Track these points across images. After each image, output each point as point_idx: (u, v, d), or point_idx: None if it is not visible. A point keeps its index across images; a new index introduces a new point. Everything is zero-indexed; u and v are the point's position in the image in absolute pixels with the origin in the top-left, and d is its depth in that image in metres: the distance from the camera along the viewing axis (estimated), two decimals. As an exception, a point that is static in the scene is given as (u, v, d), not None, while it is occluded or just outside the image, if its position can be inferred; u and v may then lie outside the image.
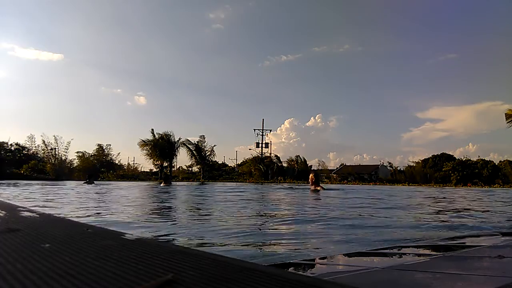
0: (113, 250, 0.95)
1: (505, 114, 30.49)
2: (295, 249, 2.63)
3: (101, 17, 76.00)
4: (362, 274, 1.66)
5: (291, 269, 1.87)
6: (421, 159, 52.07)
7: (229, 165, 58.54)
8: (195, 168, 50.25)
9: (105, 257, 0.87)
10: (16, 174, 36.99)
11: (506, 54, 65.33)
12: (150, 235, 3.24)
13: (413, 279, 1.55)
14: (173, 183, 25.26)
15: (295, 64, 74.36)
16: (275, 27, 77.59)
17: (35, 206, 5.92)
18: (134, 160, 68.82)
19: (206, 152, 44.01)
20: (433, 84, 74.10)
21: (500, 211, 6.62)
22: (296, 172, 48.23)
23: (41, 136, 42.46)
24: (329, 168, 55.82)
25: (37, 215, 1.75)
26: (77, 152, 44.58)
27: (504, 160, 46.77)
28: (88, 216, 4.88)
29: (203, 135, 44.36)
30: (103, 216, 4.86)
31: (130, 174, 47.97)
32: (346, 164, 57.85)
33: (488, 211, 6.55)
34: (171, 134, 41.50)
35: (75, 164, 44.21)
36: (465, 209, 6.82)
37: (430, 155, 51.95)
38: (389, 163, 54.66)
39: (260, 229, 3.78)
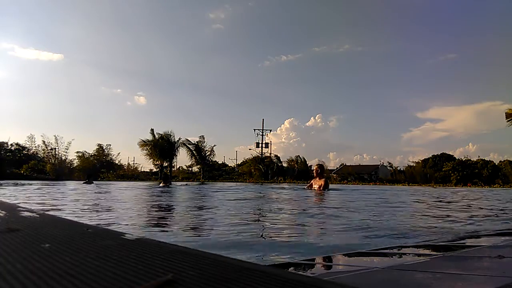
0: (113, 250, 0.95)
1: (505, 113, 30.53)
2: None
3: (101, 17, 76.13)
4: (362, 274, 1.66)
5: (291, 269, 1.87)
6: (421, 159, 52.17)
7: (229, 165, 58.61)
8: (195, 168, 50.28)
9: (105, 257, 0.87)
10: (16, 174, 36.98)
11: (506, 54, 65.40)
12: (150, 235, 3.24)
13: (413, 279, 1.55)
14: (173, 183, 25.25)
15: (295, 64, 74.53)
16: (275, 27, 77.77)
17: (34, 205, 5.92)
18: (134, 160, 68.98)
19: (206, 152, 44.02)
20: (433, 84, 74.23)
21: (500, 210, 6.62)
22: (296, 172, 48.22)
23: (41, 136, 42.50)
24: (329, 168, 55.85)
25: (37, 215, 1.75)
26: (77, 152, 44.61)
27: (504, 160, 46.81)
28: (87, 216, 4.88)
29: (203, 135, 44.40)
30: (101, 216, 4.86)
31: (130, 174, 47.97)
32: (346, 164, 57.93)
33: (488, 211, 6.55)
34: (171, 134, 41.53)
35: (75, 164, 44.22)
36: (468, 207, 6.82)
37: (430, 155, 52.06)
38: (389, 163, 54.75)
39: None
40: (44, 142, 41.30)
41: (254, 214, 5.44)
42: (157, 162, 42.39)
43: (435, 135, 72.26)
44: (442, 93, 74.15)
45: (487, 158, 47.74)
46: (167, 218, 4.88)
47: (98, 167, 44.73)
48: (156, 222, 4.42)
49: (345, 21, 79.55)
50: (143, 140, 40.82)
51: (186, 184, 23.33)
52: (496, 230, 3.67)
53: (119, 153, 49.37)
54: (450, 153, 51.89)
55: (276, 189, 16.12)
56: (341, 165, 58.74)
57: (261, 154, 50.70)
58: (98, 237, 1.16)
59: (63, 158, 41.91)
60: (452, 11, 69.70)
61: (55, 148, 41.35)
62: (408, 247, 2.59)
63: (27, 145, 44.02)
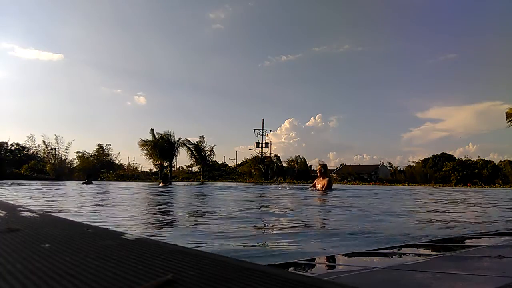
0: (113, 250, 0.95)
1: (506, 113, 30.49)
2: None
3: (101, 17, 76.17)
4: (362, 274, 1.66)
5: (291, 269, 1.87)
6: (421, 159, 52.18)
7: (229, 165, 58.63)
8: (195, 168, 50.29)
9: (105, 257, 0.87)
10: (16, 174, 36.99)
11: (506, 54, 65.44)
12: (150, 235, 3.24)
13: (413, 279, 1.55)
14: (173, 183, 25.23)
15: (295, 64, 74.58)
16: (275, 27, 77.83)
17: (34, 205, 5.92)
18: (134, 160, 68.94)
19: (206, 152, 44.03)
20: (433, 84, 74.28)
21: (500, 210, 6.62)
22: (296, 172, 48.23)
23: (42, 136, 42.52)
24: (329, 168, 55.75)
25: (37, 215, 1.75)
26: (77, 152, 44.61)
27: (504, 160, 46.82)
28: (85, 216, 4.88)
29: (203, 135, 44.40)
30: (101, 216, 4.86)
31: (130, 174, 47.98)
32: (346, 164, 57.92)
33: (488, 210, 6.55)
34: (171, 134, 41.53)
35: (75, 164, 44.22)
36: (470, 207, 6.82)
37: (430, 155, 52.06)
38: (389, 163, 54.75)
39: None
40: (44, 142, 41.35)
41: (254, 215, 5.44)
42: (157, 162, 42.38)
43: (435, 135, 72.35)
44: (442, 93, 74.28)
45: (487, 158, 47.82)
46: (167, 218, 4.88)
47: (98, 167, 44.73)
48: (156, 222, 4.42)
49: (345, 21, 79.70)
50: (143, 140, 40.83)
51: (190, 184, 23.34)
52: (496, 230, 3.67)
53: (119, 153, 49.43)
54: (450, 153, 51.97)
55: (275, 190, 16.12)
56: (341, 165, 58.76)
57: (261, 154, 50.72)
58: (98, 237, 1.16)
59: (63, 158, 41.94)
60: (452, 11, 69.80)
61: (55, 148, 41.38)
62: (408, 247, 2.59)
63: (27, 145, 44.09)
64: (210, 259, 0.84)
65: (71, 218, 2.81)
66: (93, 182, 23.69)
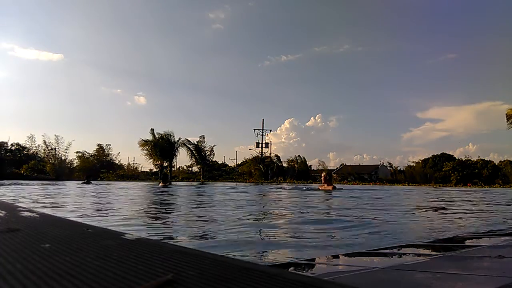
0: (113, 250, 0.95)
1: (506, 114, 30.32)
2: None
3: (101, 17, 76.18)
4: (362, 274, 1.66)
5: (291, 269, 1.87)
6: (421, 159, 52.13)
7: (229, 165, 58.59)
8: (195, 168, 50.27)
9: (105, 257, 0.87)
10: (16, 174, 36.99)
11: (506, 54, 65.44)
12: (150, 235, 3.24)
13: (413, 279, 1.55)
14: (173, 183, 25.22)
15: (295, 64, 74.53)
16: (275, 27, 77.83)
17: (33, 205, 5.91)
18: (134, 160, 68.81)
19: (206, 152, 44.02)
20: (433, 84, 74.26)
21: (501, 210, 6.62)
22: (296, 172, 48.21)
23: (42, 136, 42.55)
24: (329, 168, 55.74)
25: (37, 215, 1.75)
26: (77, 152, 44.62)
27: (504, 160, 46.80)
28: (85, 215, 4.88)
29: (203, 135, 44.44)
30: (99, 216, 4.86)
31: (130, 174, 47.97)
32: (346, 164, 57.87)
33: (489, 210, 6.55)
34: (171, 134, 41.52)
35: (75, 164, 44.21)
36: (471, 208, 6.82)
37: (430, 155, 52.01)
38: (389, 163, 54.71)
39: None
40: (45, 142, 41.36)
41: (253, 216, 5.44)
42: (157, 162, 42.37)
43: (435, 135, 72.28)
44: (442, 93, 74.17)
45: (487, 158, 47.79)
46: (167, 218, 4.88)
47: (98, 167, 44.74)
48: (155, 222, 4.42)
49: (345, 21, 79.58)
50: (143, 140, 40.82)
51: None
52: (496, 230, 3.67)
53: (119, 153, 49.47)
54: (450, 153, 51.93)
55: (274, 189, 16.10)
56: (341, 165, 58.74)
57: (261, 154, 50.71)
58: (98, 237, 1.16)
59: (63, 158, 41.94)
60: (452, 11, 69.77)
61: (55, 148, 41.39)
62: (408, 247, 2.59)
63: (27, 145, 44.08)
64: (210, 259, 0.84)
65: (71, 218, 2.81)
66: (92, 182, 23.71)
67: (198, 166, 45.99)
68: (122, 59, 77.62)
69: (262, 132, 51.66)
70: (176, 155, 42.48)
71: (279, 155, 51.68)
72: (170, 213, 5.70)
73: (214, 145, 44.84)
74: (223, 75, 79.64)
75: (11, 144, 43.45)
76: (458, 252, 2.36)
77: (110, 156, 48.43)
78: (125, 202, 7.74)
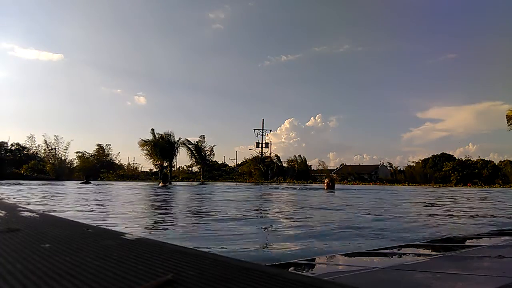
0: (113, 250, 0.95)
1: (506, 116, 30.15)
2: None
3: (101, 17, 76.07)
4: (362, 274, 1.66)
5: (291, 269, 1.87)
6: (421, 159, 52.10)
7: (229, 165, 58.57)
8: (195, 168, 50.26)
9: (105, 257, 0.87)
10: (16, 174, 36.98)
11: (506, 54, 65.43)
12: (150, 235, 3.24)
13: (413, 279, 1.55)
14: (173, 183, 25.22)
15: (295, 64, 74.43)
16: (275, 27, 77.69)
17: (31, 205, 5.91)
18: (134, 160, 68.78)
19: (206, 152, 44.02)
20: (433, 84, 74.17)
21: (501, 210, 6.63)
22: (296, 172, 48.21)
23: (43, 136, 42.54)
24: (329, 168, 55.79)
25: (37, 215, 1.75)
26: (77, 152, 44.61)
27: (504, 160, 46.78)
28: (85, 215, 4.88)
29: (203, 135, 44.40)
30: (99, 216, 4.86)
31: (130, 174, 47.96)
32: (346, 164, 57.83)
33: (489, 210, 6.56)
34: (171, 134, 41.51)
35: (75, 164, 44.21)
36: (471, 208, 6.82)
37: (430, 155, 51.98)
38: (389, 163, 54.67)
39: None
40: (46, 141, 41.36)
41: (255, 213, 5.43)
42: (157, 162, 42.35)
43: (435, 135, 72.21)
44: (442, 93, 74.06)
45: (487, 158, 47.77)
46: (167, 218, 4.88)
47: (98, 167, 44.74)
48: (155, 222, 4.42)
49: (345, 21, 79.42)
50: (143, 140, 40.82)
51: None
52: (496, 230, 3.67)
53: (119, 153, 49.42)
54: (450, 153, 51.90)
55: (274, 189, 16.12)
56: (341, 165, 58.70)
57: (261, 154, 50.70)
58: (98, 237, 1.16)
59: (63, 158, 41.93)
60: (452, 11, 69.72)
61: (55, 148, 41.38)
62: (408, 247, 2.59)
63: (27, 145, 44.07)
64: (210, 259, 0.84)
65: (71, 218, 2.81)
66: (91, 182, 23.71)
67: (198, 166, 45.98)
68: (122, 59, 77.56)
69: (262, 132, 51.70)
70: (176, 155, 42.49)
71: (279, 155, 51.75)
72: (170, 213, 5.70)
73: (214, 145, 44.88)
74: (223, 75, 79.61)
75: (11, 144, 43.50)
76: (458, 252, 2.36)
77: (110, 156, 48.46)
78: (126, 202, 7.74)
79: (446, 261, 2.05)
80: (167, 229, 3.76)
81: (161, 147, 40.33)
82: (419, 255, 2.33)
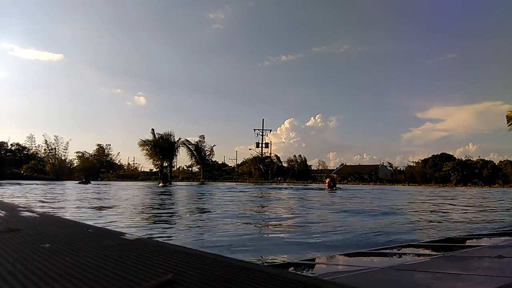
0: (113, 250, 0.95)
1: (506, 116, 30.06)
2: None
3: (101, 17, 76.04)
4: (362, 274, 1.66)
5: (291, 269, 1.87)
6: (421, 159, 52.10)
7: (229, 165, 58.56)
8: (195, 168, 50.25)
9: (105, 257, 0.87)
10: (16, 174, 36.98)
11: (506, 54, 65.41)
12: (150, 235, 3.25)
13: (413, 279, 1.55)
14: (173, 183, 25.20)
15: (295, 64, 74.43)
16: (275, 27, 77.66)
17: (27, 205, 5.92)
18: (134, 160, 68.75)
19: (206, 152, 44.01)
20: (433, 84, 74.15)
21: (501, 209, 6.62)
22: (296, 172, 48.19)
23: (43, 135, 42.54)
24: (329, 168, 55.78)
25: (37, 215, 1.75)
26: (77, 152, 44.61)
27: (504, 160, 46.78)
28: (84, 215, 4.88)
29: (203, 135, 44.40)
30: (99, 216, 4.86)
31: (130, 174, 47.95)
32: (346, 164, 57.81)
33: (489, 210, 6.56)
34: (171, 134, 41.50)
35: (75, 164, 44.20)
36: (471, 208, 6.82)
37: (430, 155, 51.98)
38: (389, 163, 54.64)
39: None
40: (46, 141, 41.36)
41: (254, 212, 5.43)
42: (157, 162, 42.34)
43: (435, 135, 72.17)
44: (442, 93, 74.00)
45: (487, 158, 47.74)
46: (167, 218, 4.88)
47: (98, 167, 44.73)
48: (155, 222, 4.42)
49: (345, 21, 79.38)
50: (143, 140, 40.81)
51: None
52: (496, 230, 3.67)
53: (118, 153, 49.42)
54: (450, 153, 51.89)
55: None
56: (341, 165, 58.66)
57: (261, 154, 50.69)
58: (98, 237, 1.16)
59: (63, 158, 41.92)
60: (452, 11, 69.67)
61: (55, 148, 41.38)
62: (408, 247, 2.59)
63: (27, 145, 44.07)
64: (210, 259, 0.84)
65: (71, 218, 2.81)
66: (91, 182, 23.63)
67: (198, 166, 45.97)
68: (122, 59, 77.53)
69: (262, 132, 51.69)
70: (176, 155, 42.49)
71: (279, 155, 51.73)
72: (170, 212, 5.70)
73: (214, 145, 44.88)
74: (223, 75, 79.58)
75: (11, 144, 43.50)
76: (458, 252, 2.36)
77: (110, 156, 48.46)
78: (126, 202, 7.74)
79: (446, 261, 2.05)
80: (167, 229, 3.76)
81: (161, 147, 40.33)
82: (419, 255, 2.33)
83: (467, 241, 3.08)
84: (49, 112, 68.52)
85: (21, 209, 2.08)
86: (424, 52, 72.66)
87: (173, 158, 42.36)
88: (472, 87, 69.34)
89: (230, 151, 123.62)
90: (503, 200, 10.07)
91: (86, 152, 45.69)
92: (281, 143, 66.83)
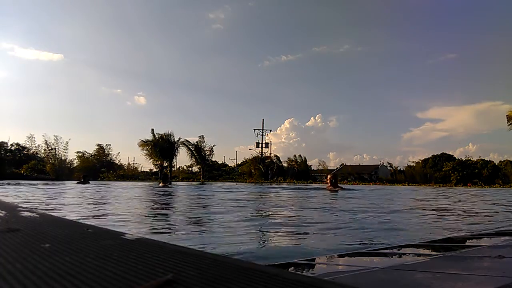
0: (113, 250, 0.95)
1: (507, 116, 30.05)
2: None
3: (101, 17, 76.06)
4: (362, 274, 1.66)
5: (291, 269, 1.87)
6: (421, 159, 52.06)
7: (229, 165, 58.58)
8: (195, 168, 50.27)
9: (105, 257, 0.87)
10: (16, 174, 36.98)
11: (506, 54, 65.41)
12: (150, 235, 3.24)
13: (413, 279, 1.55)
14: (173, 183, 25.20)
15: (295, 64, 74.42)
16: (275, 27, 77.64)
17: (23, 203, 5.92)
18: (134, 160, 68.71)
19: (206, 152, 44.03)
20: (433, 84, 74.11)
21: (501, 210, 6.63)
22: (296, 172, 48.20)
23: (43, 135, 42.55)
24: (329, 168, 55.76)
25: (37, 215, 1.75)
26: (77, 152, 44.62)
27: (504, 160, 46.77)
28: (84, 215, 4.88)
29: (203, 135, 44.41)
30: (99, 216, 4.86)
31: (130, 174, 47.96)
32: (346, 164, 57.79)
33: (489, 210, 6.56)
34: (171, 134, 41.51)
35: (75, 164, 44.21)
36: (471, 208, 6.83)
37: (430, 155, 51.94)
38: (389, 163, 54.62)
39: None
40: (46, 141, 41.37)
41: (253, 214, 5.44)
42: (157, 162, 42.36)
43: (435, 135, 72.14)
44: (442, 93, 73.94)
45: (487, 158, 47.73)
46: (167, 218, 4.88)
47: (98, 167, 44.73)
48: (155, 222, 4.42)
49: (345, 21, 79.34)
50: (143, 140, 40.83)
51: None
52: (496, 230, 3.67)
53: (118, 153, 49.40)
54: (450, 153, 51.84)
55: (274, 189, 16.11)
56: (341, 165, 58.66)
57: (261, 154, 50.70)
58: (98, 237, 1.16)
59: (63, 158, 41.94)
60: (452, 10, 69.66)
61: (55, 148, 41.39)
62: (408, 247, 2.59)
63: (27, 145, 44.09)
64: (210, 259, 0.84)
65: (70, 218, 2.81)
66: (90, 182, 23.55)
67: (198, 166, 45.98)
68: (122, 59, 77.53)
69: (262, 132, 51.68)
70: (176, 155, 42.49)
71: (279, 155, 51.72)
72: (170, 213, 5.70)
73: (214, 145, 44.87)
74: (223, 75, 79.57)
75: (11, 144, 43.50)
76: (458, 252, 2.35)
77: (110, 156, 48.44)
78: (125, 202, 7.74)
79: (446, 261, 2.05)
80: (167, 229, 3.76)
81: (161, 147, 40.34)
82: (419, 255, 2.33)
83: (467, 241, 3.08)
84: (49, 112, 68.54)
85: (21, 209, 2.08)
86: (424, 52, 72.69)
87: (173, 158, 42.38)
88: (472, 87, 69.39)
89: (230, 151, 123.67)
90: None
91: (86, 152, 45.73)
92: (281, 143, 66.86)
